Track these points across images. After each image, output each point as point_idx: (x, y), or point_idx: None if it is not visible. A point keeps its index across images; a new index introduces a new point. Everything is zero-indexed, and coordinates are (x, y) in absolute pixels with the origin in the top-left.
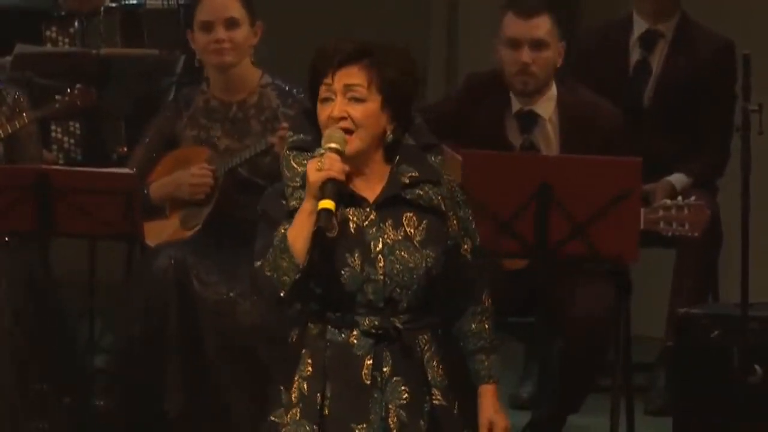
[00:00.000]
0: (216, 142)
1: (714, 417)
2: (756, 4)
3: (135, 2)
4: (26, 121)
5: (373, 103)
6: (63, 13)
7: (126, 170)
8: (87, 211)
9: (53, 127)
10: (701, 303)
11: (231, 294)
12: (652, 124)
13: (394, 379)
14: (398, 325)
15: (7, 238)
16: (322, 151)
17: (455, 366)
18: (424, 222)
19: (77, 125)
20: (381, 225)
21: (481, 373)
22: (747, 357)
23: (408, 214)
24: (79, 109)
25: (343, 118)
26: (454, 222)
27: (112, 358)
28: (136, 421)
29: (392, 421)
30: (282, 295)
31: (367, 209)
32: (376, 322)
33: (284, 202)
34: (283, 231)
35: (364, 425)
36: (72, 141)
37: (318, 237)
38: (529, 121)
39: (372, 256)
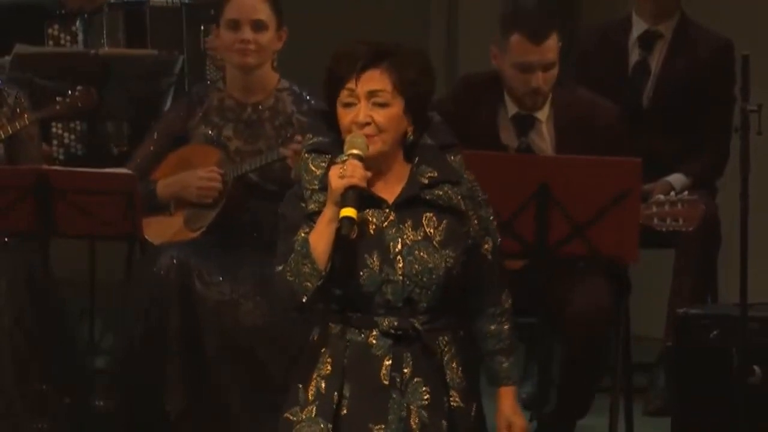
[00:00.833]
0: (227, 142)
1: (713, 417)
2: (756, 4)
3: None
4: (27, 121)
5: (396, 107)
6: (65, 11)
7: (126, 170)
8: (87, 211)
9: (54, 122)
10: (700, 303)
11: (233, 295)
12: (651, 125)
13: (415, 379)
14: (417, 325)
15: (7, 238)
16: (345, 157)
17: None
18: (444, 222)
19: (78, 121)
20: (400, 226)
21: (500, 374)
22: (746, 357)
23: (428, 215)
24: (80, 110)
25: (367, 124)
26: (475, 221)
27: (112, 359)
28: (136, 421)
29: (414, 422)
30: (304, 300)
31: (387, 210)
32: (396, 323)
33: (303, 204)
34: (303, 235)
35: (383, 425)
36: (73, 137)
37: (339, 243)
38: (526, 124)
39: (391, 256)
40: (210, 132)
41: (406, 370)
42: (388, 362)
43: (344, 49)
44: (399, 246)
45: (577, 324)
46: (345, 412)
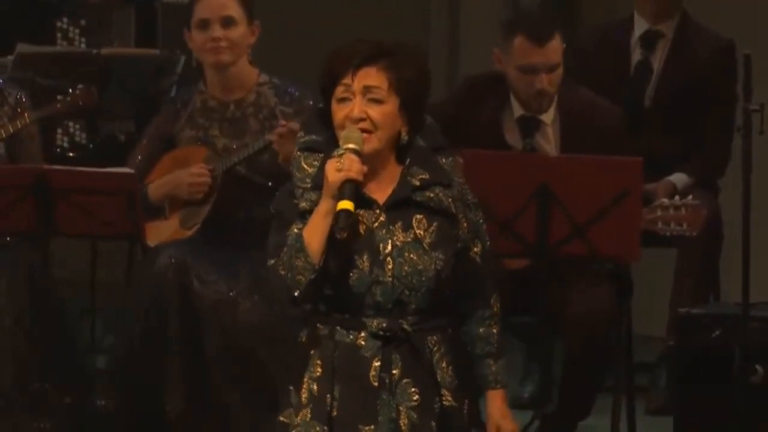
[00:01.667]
0: (214, 141)
1: (715, 416)
2: (756, 4)
3: None
4: (28, 121)
5: (391, 105)
6: (75, 6)
7: (126, 170)
8: (87, 211)
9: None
10: (702, 303)
11: (231, 293)
12: (652, 124)
13: (404, 380)
14: (406, 326)
15: (7, 238)
16: (341, 151)
17: (464, 366)
18: (434, 224)
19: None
20: (390, 227)
21: (488, 378)
22: (748, 357)
23: (418, 216)
24: (81, 108)
25: (362, 119)
26: (464, 224)
27: (112, 359)
28: (136, 421)
29: (403, 423)
30: (296, 294)
31: (377, 211)
32: (384, 324)
33: (295, 201)
34: (296, 230)
35: (372, 426)
36: (77, 126)
37: (334, 237)
38: (531, 126)
39: (381, 258)
40: (196, 134)
41: (395, 371)
42: (377, 363)
43: (343, 47)
44: (389, 247)
45: (577, 325)
46: (335, 413)
